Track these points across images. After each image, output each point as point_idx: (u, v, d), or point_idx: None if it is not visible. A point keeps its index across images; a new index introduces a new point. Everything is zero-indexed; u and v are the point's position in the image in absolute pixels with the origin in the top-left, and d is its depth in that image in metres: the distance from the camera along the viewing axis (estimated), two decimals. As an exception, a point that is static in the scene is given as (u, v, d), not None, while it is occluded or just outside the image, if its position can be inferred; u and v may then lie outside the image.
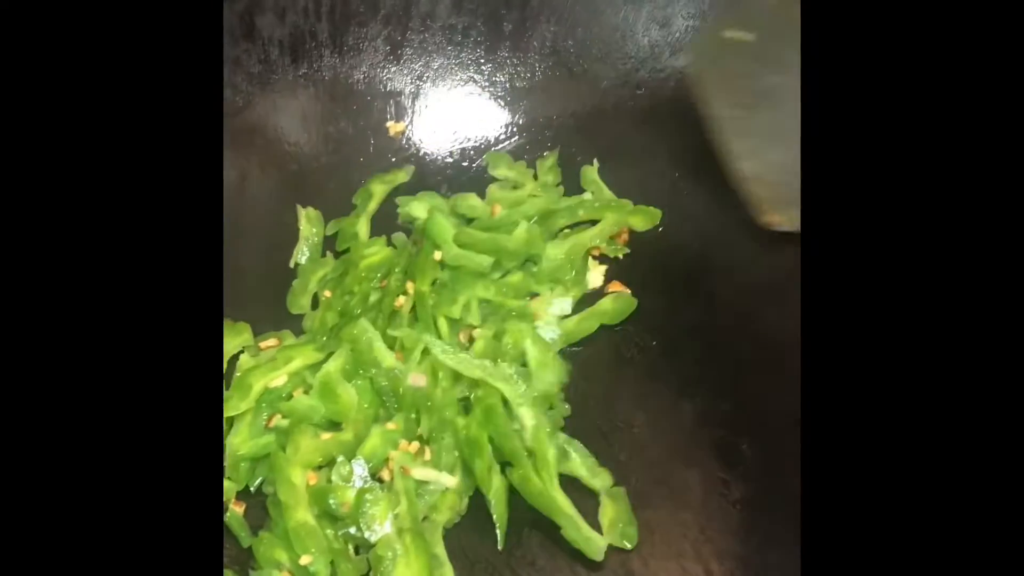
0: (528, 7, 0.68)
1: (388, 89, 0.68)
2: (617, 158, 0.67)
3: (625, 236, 0.62)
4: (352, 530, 0.50)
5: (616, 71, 0.68)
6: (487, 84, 0.69)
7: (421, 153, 0.68)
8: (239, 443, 0.53)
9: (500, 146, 0.69)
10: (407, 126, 0.68)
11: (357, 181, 0.66)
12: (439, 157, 0.68)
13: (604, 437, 0.54)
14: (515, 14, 0.68)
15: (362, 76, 0.68)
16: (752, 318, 0.57)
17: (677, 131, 0.65)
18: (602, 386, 0.56)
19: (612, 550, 0.49)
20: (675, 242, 0.62)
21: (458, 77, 0.69)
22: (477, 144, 0.69)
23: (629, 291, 0.60)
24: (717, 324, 0.57)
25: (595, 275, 0.61)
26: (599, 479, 0.51)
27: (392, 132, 0.68)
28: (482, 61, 0.69)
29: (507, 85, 0.69)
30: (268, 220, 0.64)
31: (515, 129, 0.69)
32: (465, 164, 0.68)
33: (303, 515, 0.50)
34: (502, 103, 0.69)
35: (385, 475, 0.52)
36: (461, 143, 0.69)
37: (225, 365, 0.56)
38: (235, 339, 0.58)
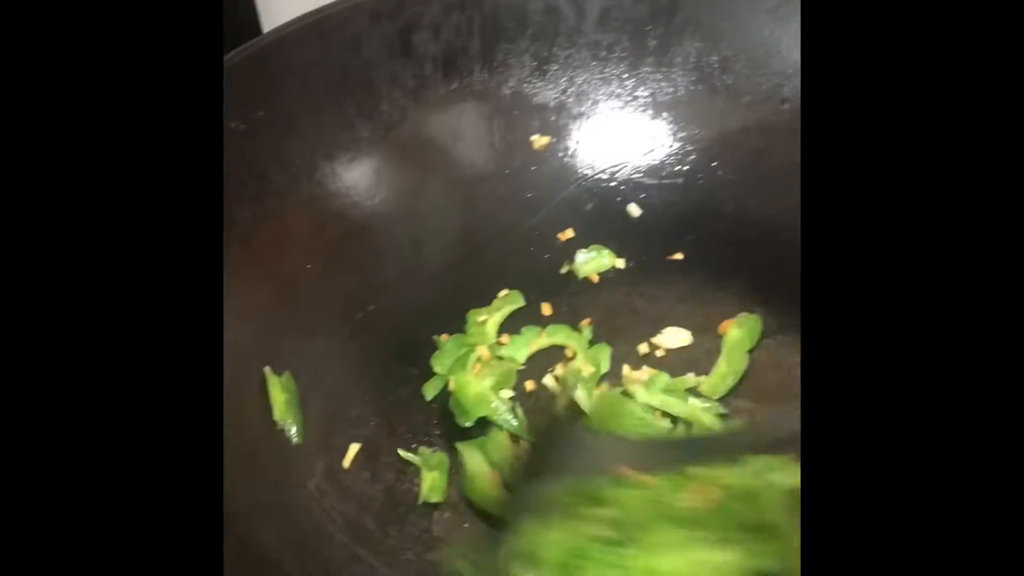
0: (673, 23, 0.69)
1: (534, 103, 0.70)
2: (758, 172, 0.68)
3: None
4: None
5: (760, 87, 0.69)
6: (629, 99, 0.71)
7: (564, 165, 0.70)
8: None
9: (642, 159, 0.70)
10: (552, 140, 0.70)
11: (505, 192, 0.69)
12: (581, 171, 0.70)
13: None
14: (660, 30, 0.69)
15: (509, 91, 0.70)
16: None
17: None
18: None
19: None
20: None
21: (601, 92, 0.71)
22: (619, 160, 0.70)
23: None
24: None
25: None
26: None
27: (536, 146, 0.70)
28: (625, 76, 0.70)
29: (649, 100, 0.71)
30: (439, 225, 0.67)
31: (655, 144, 0.70)
32: (605, 179, 0.70)
33: None
34: (644, 118, 0.71)
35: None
36: (604, 157, 0.71)
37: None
38: None
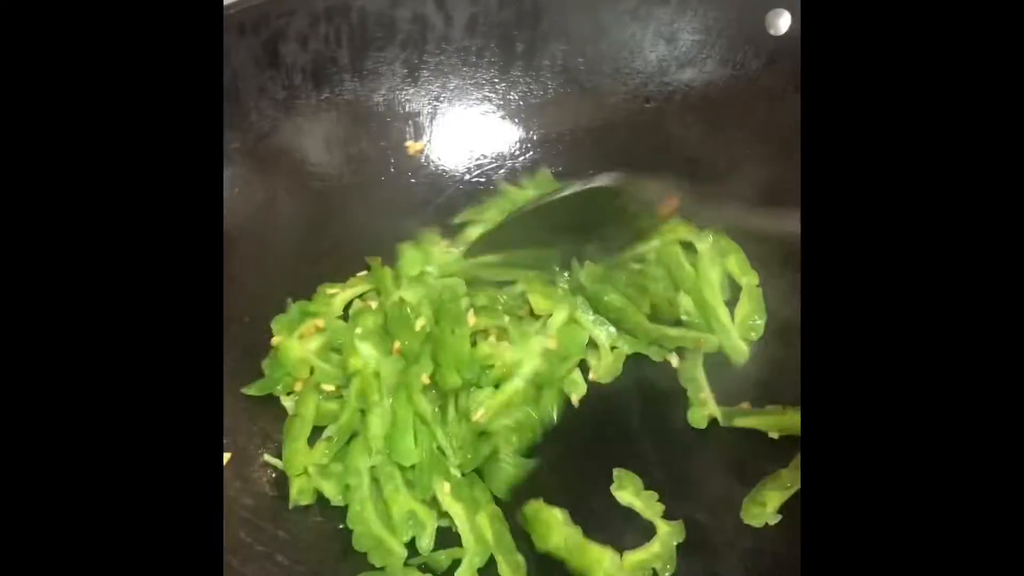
0: (539, 28, 0.70)
1: (407, 110, 0.71)
2: (625, 169, 0.70)
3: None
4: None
5: (625, 86, 0.70)
6: (501, 102, 0.72)
7: (439, 170, 0.71)
8: None
9: (514, 160, 0.72)
10: (426, 145, 0.71)
11: (379, 199, 0.70)
12: (457, 173, 0.72)
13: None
14: (526, 34, 0.71)
15: (381, 99, 0.71)
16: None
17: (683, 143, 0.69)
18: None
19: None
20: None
21: (473, 96, 0.72)
22: (493, 160, 0.72)
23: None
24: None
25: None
26: None
27: (411, 151, 0.71)
28: (496, 80, 0.72)
29: (521, 103, 0.72)
30: (295, 238, 0.68)
31: (529, 145, 0.72)
32: (483, 181, 0.71)
33: None
34: (516, 120, 0.72)
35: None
36: (478, 159, 0.72)
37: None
38: None
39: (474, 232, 0.67)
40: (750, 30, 0.66)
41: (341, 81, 0.69)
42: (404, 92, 0.71)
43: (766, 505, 0.54)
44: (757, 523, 0.54)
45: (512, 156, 0.72)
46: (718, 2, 0.67)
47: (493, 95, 0.72)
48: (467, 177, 0.72)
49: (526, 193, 0.69)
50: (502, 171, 0.72)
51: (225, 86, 0.66)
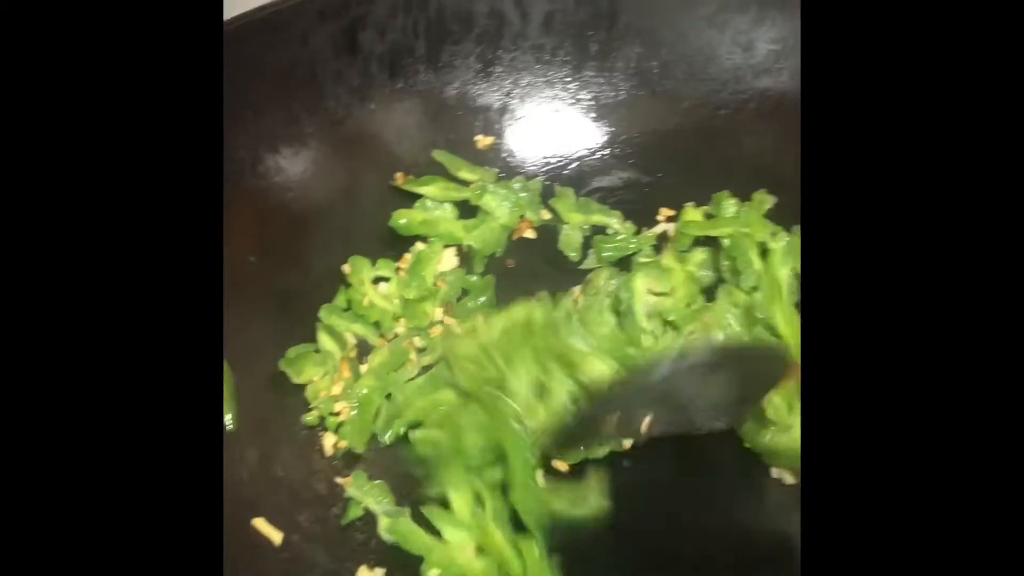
0: (614, 29, 0.71)
1: (478, 104, 0.72)
2: (697, 175, 0.70)
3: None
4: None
5: (698, 92, 0.70)
6: (573, 101, 0.72)
7: (507, 166, 0.72)
8: None
9: (584, 161, 0.72)
10: (495, 141, 0.72)
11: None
12: (524, 169, 0.72)
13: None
14: (601, 35, 0.71)
15: (454, 92, 0.71)
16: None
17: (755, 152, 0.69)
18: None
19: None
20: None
21: (545, 94, 0.72)
22: (561, 159, 0.72)
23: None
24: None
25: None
26: None
27: (480, 146, 0.71)
28: (568, 79, 0.72)
29: (592, 103, 0.72)
30: (375, 223, 0.68)
31: (598, 146, 0.72)
32: (550, 178, 0.72)
33: None
34: (587, 120, 0.72)
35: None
36: (546, 157, 0.72)
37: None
38: None
39: None
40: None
41: (416, 72, 0.70)
42: (477, 86, 0.71)
43: None
44: None
45: (580, 156, 0.72)
46: (796, 13, 0.68)
47: (564, 94, 0.72)
48: (531, 174, 0.72)
49: None
50: (569, 170, 0.72)
51: (302, 71, 0.66)
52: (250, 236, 0.63)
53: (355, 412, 0.60)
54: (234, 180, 0.63)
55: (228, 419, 0.58)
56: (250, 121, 0.64)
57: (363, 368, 0.63)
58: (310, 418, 0.61)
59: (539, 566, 0.53)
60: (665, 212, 0.69)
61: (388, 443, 0.60)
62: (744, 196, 0.68)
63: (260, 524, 0.56)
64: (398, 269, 0.67)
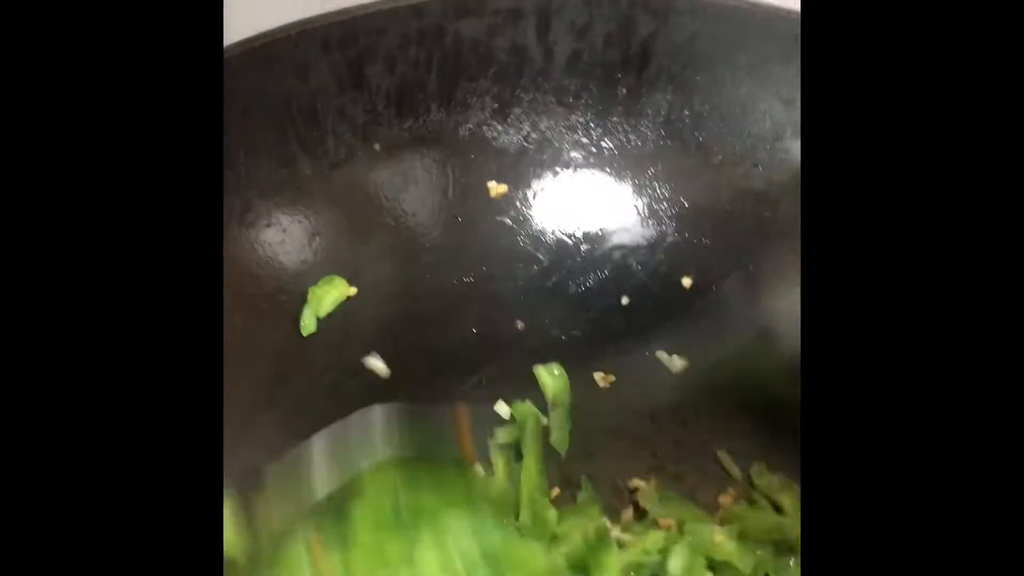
0: (644, 73, 0.65)
1: (494, 147, 0.66)
2: (728, 236, 0.64)
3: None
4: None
5: (733, 148, 0.65)
6: (595, 149, 0.67)
7: (521, 217, 0.66)
8: None
9: (604, 215, 0.66)
10: (509, 188, 0.66)
11: (454, 240, 0.64)
12: (539, 222, 0.66)
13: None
14: (630, 79, 0.65)
15: (467, 133, 0.65)
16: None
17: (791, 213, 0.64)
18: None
19: None
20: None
21: (566, 140, 0.66)
22: (579, 213, 0.66)
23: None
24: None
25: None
26: None
27: (493, 193, 0.66)
28: (592, 125, 0.66)
29: (616, 152, 0.66)
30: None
31: (620, 199, 0.66)
32: (569, 233, 0.66)
33: None
34: (609, 170, 0.67)
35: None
36: (563, 209, 0.66)
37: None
38: None
39: None
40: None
41: (428, 110, 0.64)
42: (492, 128, 0.65)
43: None
44: None
45: (600, 209, 0.66)
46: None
47: (587, 140, 0.67)
48: (550, 228, 0.66)
49: None
50: (586, 225, 0.66)
51: (302, 106, 0.60)
52: (235, 293, 0.57)
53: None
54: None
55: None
56: (240, 163, 0.58)
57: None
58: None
59: None
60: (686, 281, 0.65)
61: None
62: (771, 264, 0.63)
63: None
64: None
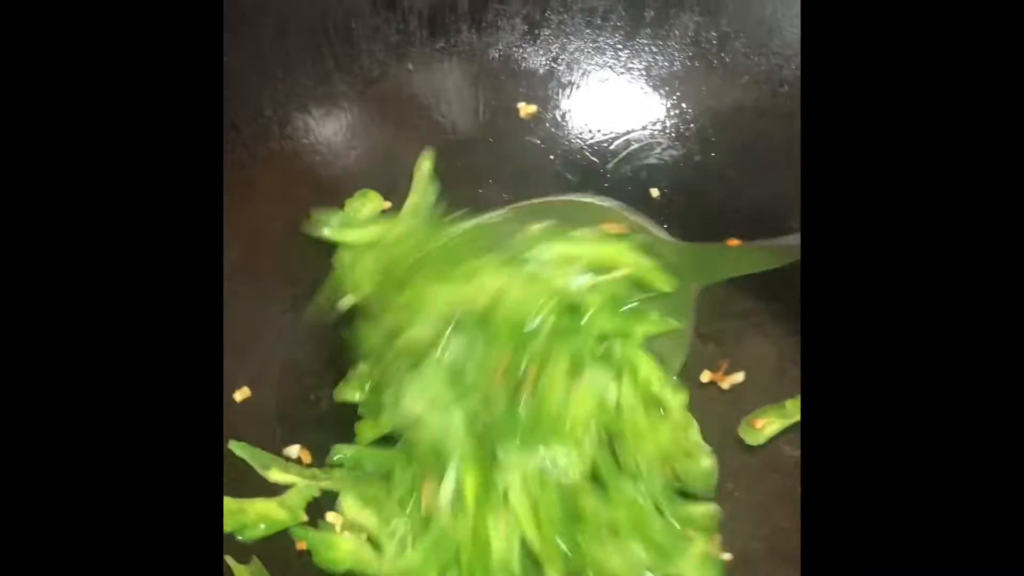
0: (672, -6, 0.66)
1: (522, 69, 0.67)
2: (753, 156, 0.65)
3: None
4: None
5: (759, 68, 0.65)
6: (623, 71, 0.67)
7: (550, 136, 0.67)
8: None
9: (631, 135, 0.67)
10: (538, 110, 0.67)
11: (485, 161, 0.66)
12: (568, 142, 0.67)
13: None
14: (658, 0, 0.66)
15: (497, 54, 0.66)
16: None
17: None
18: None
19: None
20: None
21: (594, 61, 0.67)
22: (608, 132, 0.67)
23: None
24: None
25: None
26: None
27: (523, 114, 0.67)
28: (620, 47, 0.67)
29: (644, 73, 0.67)
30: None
31: (648, 119, 0.67)
32: (596, 160, 0.67)
33: None
34: (637, 91, 0.67)
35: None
36: (593, 133, 0.67)
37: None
38: None
39: None
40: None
41: (458, 31, 0.65)
42: (522, 50, 0.67)
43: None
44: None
45: (628, 130, 0.67)
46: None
47: (615, 62, 0.68)
48: (579, 147, 0.67)
49: None
50: (615, 145, 0.67)
51: (337, 26, 0.62)
52: (276, 201, 0.59)
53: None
54: (261, 141, 0.60)
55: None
56: (279, 79, 0.60)
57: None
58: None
59: None
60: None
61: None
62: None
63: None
64: None
